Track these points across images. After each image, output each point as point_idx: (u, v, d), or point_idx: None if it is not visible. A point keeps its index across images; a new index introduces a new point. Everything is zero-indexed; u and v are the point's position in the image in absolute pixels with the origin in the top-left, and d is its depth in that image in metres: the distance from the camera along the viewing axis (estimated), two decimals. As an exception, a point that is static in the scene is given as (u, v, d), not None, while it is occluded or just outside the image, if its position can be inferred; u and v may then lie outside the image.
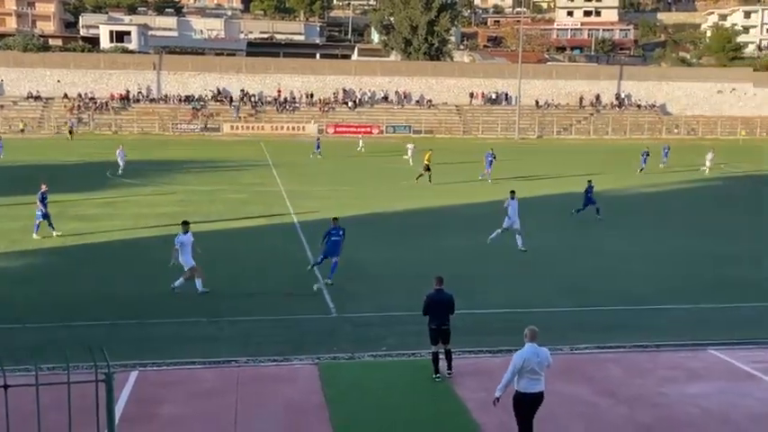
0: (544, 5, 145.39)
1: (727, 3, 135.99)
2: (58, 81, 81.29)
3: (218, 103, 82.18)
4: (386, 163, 50.43)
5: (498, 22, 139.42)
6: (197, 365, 13.01)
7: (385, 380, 12.44)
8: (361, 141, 61.94)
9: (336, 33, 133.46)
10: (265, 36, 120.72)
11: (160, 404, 11.25)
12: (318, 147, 54.29)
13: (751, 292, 18.38)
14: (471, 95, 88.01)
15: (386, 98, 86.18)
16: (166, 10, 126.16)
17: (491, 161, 40.56)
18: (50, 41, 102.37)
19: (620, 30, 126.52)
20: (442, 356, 12.33)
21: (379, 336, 14.78)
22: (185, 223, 17.95)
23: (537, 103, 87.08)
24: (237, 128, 78.12)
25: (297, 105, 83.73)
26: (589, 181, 29.19)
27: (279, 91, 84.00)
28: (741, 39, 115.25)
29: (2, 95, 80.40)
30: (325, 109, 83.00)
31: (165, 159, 50.94)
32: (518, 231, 23.03)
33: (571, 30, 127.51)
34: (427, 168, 39.45)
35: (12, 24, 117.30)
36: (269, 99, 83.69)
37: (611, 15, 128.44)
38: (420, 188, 37.67)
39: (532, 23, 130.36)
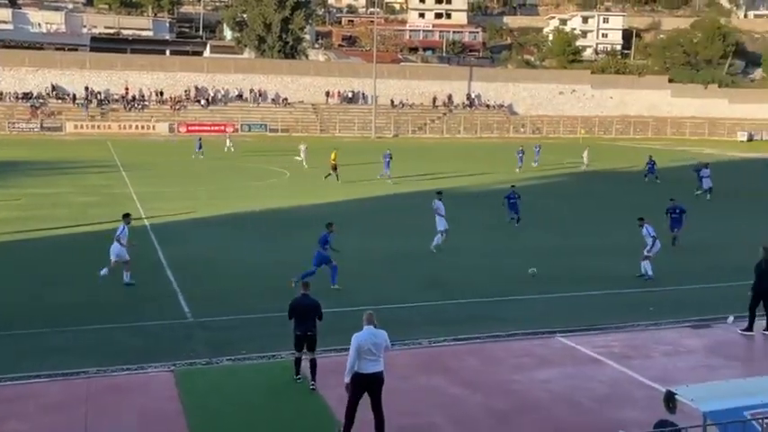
0: (397, 6, 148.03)
1: (566, 8, 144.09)
2: None
3: (59, 101, 77.70)
4: (264, 164, 49.44)
5: (352, 21, 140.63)
6: (43, 378, 12.22)
7: (244, 384, 12.18)
8: (228, 141, 58.79)
9: (187, 29, 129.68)
10: (111, 31, 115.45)
11: (5, 421, 10.51)
12: (200, 147, 52.61)
13: (597, 281, 19.54)
14: (327, 94, 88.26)
15: (240, 96, 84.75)
16: (0, 1, 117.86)
17: (388, 161, 40.40)
18: None
19: (470, 32, 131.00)
20: (305, 357, 12.05)
21: (237, 339, 14.47)
22: (128, 215, 18.84)
23: (392, 102, 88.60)
24: (82, 127, 74.20)
25: (146, 103, 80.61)
26: (512, 186, 27.50)
27: (126, 88, 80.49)
28: (580, 43, 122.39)
29: None
30: (177, 107, 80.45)
31: (1, 160, 47.49)
32: (442, 232, 23.17)
33: (423, 31, 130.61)
34: (334, 168, 39.35)
35: None
36: (116, 97, 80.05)
37: (460, 18, 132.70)
38: (280, 188, 37.36)
39: (386, 24, 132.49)
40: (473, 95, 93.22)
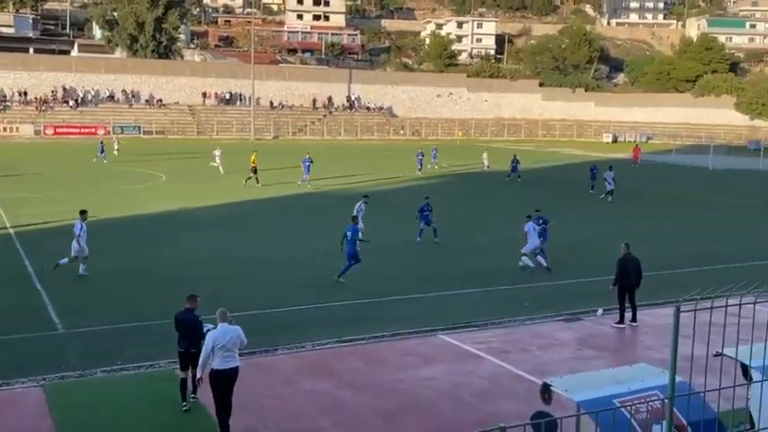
0: (274, 8, 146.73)
1: (442, 13, 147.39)
2: None
3: None
4: (140, 167, 47.55)
5: (229, 21, 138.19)
6: None
7: (121, 395, 11.70)
8: (116, 144, 55.28)
9: (53, 27, 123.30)
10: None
11: None
12: (102, 150, 49.84)
13: (475, 279, 20.05)
14: (204, 95, 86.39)
15: (112, 97, 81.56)
16: None
17: (308, 165, 39.31)
18: None
19: (348, 35, 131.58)
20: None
21: (113, 349, 13.87)
22: (84, 212, 19.20)
23: (271, 103, 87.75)
24: (-63, 129, 69.33)
25: (8, 104, 76.21)
26: (426, 198, 25.91)
27: (-14, 88, 75.85)
28: (455, 47, 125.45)
29: None
30: (43, 108, 76.45)
31: None
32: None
33: (301, 33, 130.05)
34: (254, 170, 38.45)
35: None
36: (-25, 97, 75.27)
37: (338, 20, 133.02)
38: (157, 191, 36.17)
39: (263, 25, 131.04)
40: (353, 97, 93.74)
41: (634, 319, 15.97)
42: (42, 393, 11.61)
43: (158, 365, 12.80)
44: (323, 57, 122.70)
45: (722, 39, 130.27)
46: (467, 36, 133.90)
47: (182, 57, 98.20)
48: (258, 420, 10.88)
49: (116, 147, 54.59)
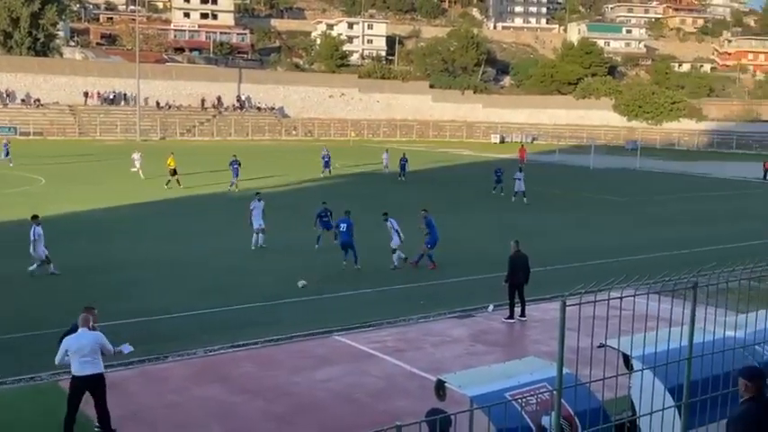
0: (160, 5, 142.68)
1: (332, 14, 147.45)
2: None
3: None
4: (16, 170, 44.96)
5: (112, 19, 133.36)
6: None
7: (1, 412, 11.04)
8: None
9: None
10: None
11: None
12: (8, 153, 46.75)
13: (370, 279, 20.13)
14: (86, 95, 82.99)
15: (-15, 97, 77.16)
16: None
17: (236, 168, 38.02)
18: None
19: (238, 34, 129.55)
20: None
21: (-11, 363, 13.07)
22: (36, 216, 19.35)
23: (158, 103, 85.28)
24: None
25: None
26: (323, 203, 24.99)
27: None
28: (346, 48, 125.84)
29: None
30: None
31: None
32: (261, 231, 23.86)
33: (189, 31, 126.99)
34: (174, 172, 37.04)
35: None
36: None
37: (227, 19, 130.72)
38: (35, 196, 34.40)
39: (148, 23, 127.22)
40: (243, 97, 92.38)
41: (523, 314, 16.46)
42: None
43: (39, 378, 12.16)
44: (211, 56, 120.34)
45: (601, 43, 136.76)
46: (358, 37, 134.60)
47: (61, 54, 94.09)
48: (149, 431, 10.51)
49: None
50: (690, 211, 36.81)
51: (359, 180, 47.09)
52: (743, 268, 6.84)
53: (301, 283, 18.35)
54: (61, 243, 23.05)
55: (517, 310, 16.41)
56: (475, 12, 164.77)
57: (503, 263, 16.67)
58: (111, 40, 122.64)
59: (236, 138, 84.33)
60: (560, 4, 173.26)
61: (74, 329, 10.27)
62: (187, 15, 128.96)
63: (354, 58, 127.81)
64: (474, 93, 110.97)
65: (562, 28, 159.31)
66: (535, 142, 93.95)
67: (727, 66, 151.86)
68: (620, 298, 5.98)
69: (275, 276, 20.25)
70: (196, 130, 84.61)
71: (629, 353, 7.67)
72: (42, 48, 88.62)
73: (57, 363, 10.18)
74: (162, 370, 12.92)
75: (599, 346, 7.26)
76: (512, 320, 16.33)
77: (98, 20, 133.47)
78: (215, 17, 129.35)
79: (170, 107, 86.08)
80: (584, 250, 24.70)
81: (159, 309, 16.50)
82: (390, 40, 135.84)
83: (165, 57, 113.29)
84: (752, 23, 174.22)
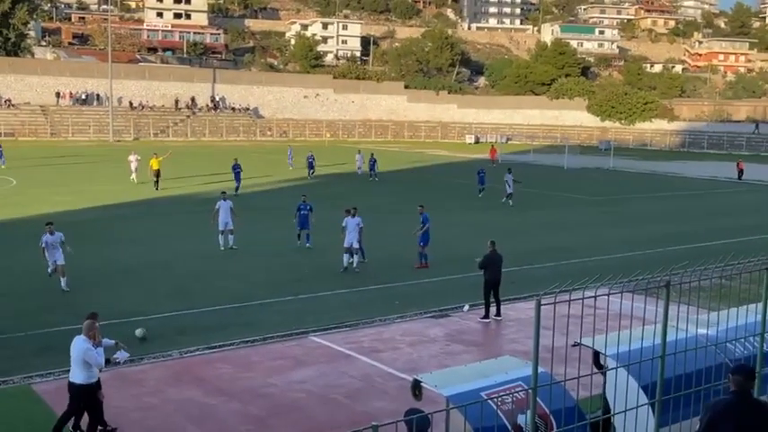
0: (132, 5, 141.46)
1: (307, 14, 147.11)
2: None
3: None
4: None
5: (84, 18, 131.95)
6: None
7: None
8: None
9: None
10: None
11: None
12: (0, 155, 45.95)
13: (346, 279, 20.11)
14: (58, 95, 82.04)
15: (-46, 97, 76.00)
16: None
17: (239, 172, 37.37)
18: None
19: (211, 34, 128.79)
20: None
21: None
22: (50, 224, 18.43)
23: (131, 104, 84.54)
24: None
25: None
26: (303, 196, 24.76)
27: None
28: (321, 48, 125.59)
29: None
30: None
31: None
32: (230, 231, 23.70)
33: (162, 31, 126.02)
34: (157, 174, 36.85)
35: None
36: None
37: (200, 19, 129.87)
38: (14, 198, 33.93)
39: (121, 22, 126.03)
40: (217, 98, 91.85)
41: (498, 313, 16.55)
42: None
43: (11, 381, 12.00)
44: (185, 56, 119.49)
45: (574, 44, 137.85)
46: (332, 37, 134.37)
47: (32, 54, 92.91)
48: (123, 434, 10.43)
49: None
50: (662, 210, 37.24)
51: (332, 180, 47.00)
52: (714, 267, 6.95)
53: (139, 331, 14.72)
54: (27, 247, 22.76)
55: (492, 309, 16.49)
56: (449, 12, 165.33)
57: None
58: (83, 39, 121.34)
59: (210, 138, 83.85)
60: (534, 5, 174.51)
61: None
62: (160, 15, 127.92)
63: (329, 58, 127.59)
64: (449, 93, 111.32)
65: (536, 29, 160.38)
66: (510, 142, 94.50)
67: (699, 66, 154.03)
68: (595, 297, 6.04)
69: (248, 278, 20.15)
70: (170, 130, 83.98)
71: (603, 351, 7.75)
72: (13, 47, 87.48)
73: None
74: (137, 372, 12.81)
75: (574, 345, 7.33)
76: (487, 320, 16.41)
77: (70, 19, 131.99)
78: (188, 17, 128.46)
79: (143, 107, 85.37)
80: (559, 249, 24.87)
81: (131, 311, 16.34)
82: (365, 41, 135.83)
83: (138, 57, 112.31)
84: (722, 25, 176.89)
